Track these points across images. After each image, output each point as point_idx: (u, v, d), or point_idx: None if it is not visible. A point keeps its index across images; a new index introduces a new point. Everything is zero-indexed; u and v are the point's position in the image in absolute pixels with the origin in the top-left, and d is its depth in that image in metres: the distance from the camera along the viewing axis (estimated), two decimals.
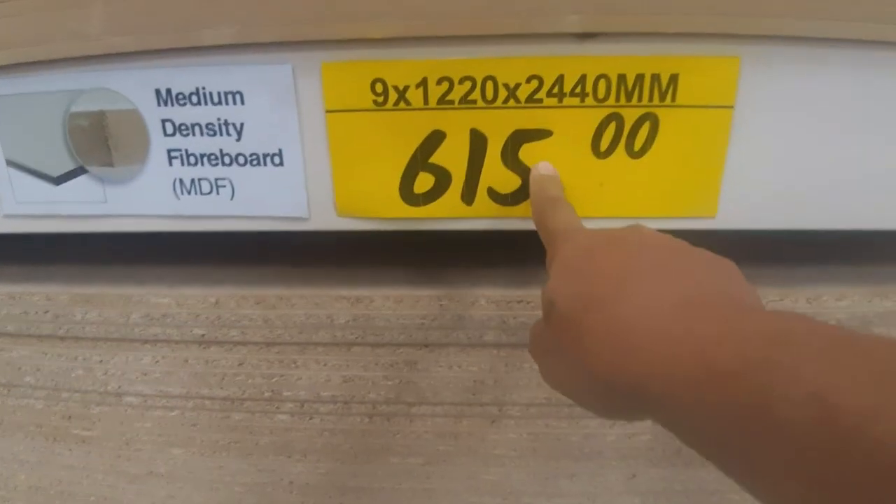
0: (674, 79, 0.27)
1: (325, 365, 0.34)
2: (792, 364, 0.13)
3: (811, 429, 0.12)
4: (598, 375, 0.18)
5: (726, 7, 0.26)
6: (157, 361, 0.36)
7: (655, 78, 0.27)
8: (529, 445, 0.35)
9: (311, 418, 0.36)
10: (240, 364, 0.35)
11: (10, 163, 0.32)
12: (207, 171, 0.31)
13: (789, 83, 0.27)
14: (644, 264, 0.19)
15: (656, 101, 0.28)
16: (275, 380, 0.35)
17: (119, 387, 0.36)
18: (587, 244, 0.22)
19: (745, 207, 0.29)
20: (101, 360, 0.36)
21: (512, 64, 0.27)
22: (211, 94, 0.29)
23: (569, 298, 0.20)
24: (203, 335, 0.34)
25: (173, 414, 0.37)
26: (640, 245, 0.21)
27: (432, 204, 0.30)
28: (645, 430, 0.34)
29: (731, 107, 0.28)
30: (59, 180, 0.32)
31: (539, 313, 0.22)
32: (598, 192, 0.30)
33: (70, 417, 0.38)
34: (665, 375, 0.16)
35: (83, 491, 0.40)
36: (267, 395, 0.35)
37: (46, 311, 0.35)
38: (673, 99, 0.28)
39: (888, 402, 0.11)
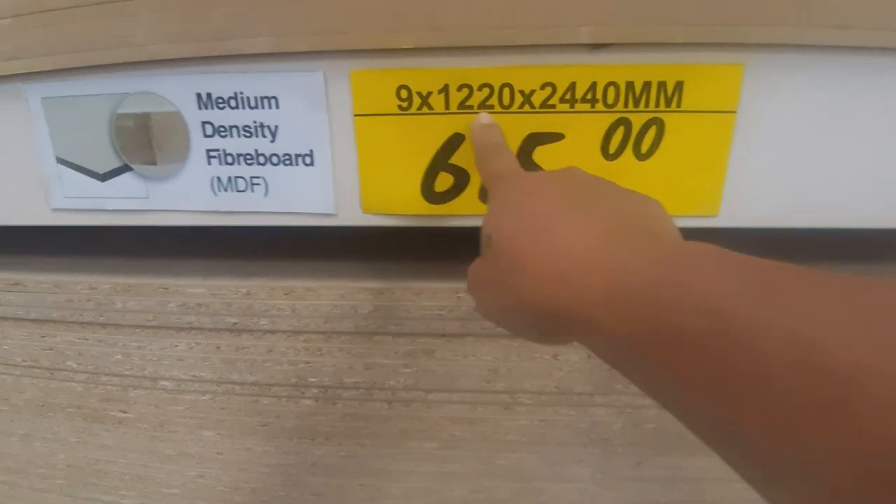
0: (679, 86, 0.29)
1: (348, 353, 0.36)
2: (689, 281, 0.15)
3: (706, 339, 0.13)
4: (530, 304, 0.19)
5: (729, 17, 0.27)
6: (192, 348, 0.38)
7: (662, 85, 0.29)
8: (540, 432, 0.37)
9: (334, 403, 0.38)
10: (268, 351, 0.37)
11: (59, 160, 0.35)
12: (243, 169, 0.33)
13: (791, 88, 0.29)
14: (574, 202, 0.21)
15: (662, 106, 0.29)
16: (301, 367, 0.37)
17: (155, 371, 0.39)
18: (524, 184, 0.23)
19: (746, 207, 0.31)
20: (139, 346, 0.38)
21: (527, 72, 0.29)
22: (248, 98, 0.31)
23: (505, 233, 0.21)
24: (235, 324, 0.36)
25: (205, 398, 0.39)
26: (573, 184, 0.22)
27: (452, 202, 0.32)
28: (651, 420, 0.36)
29: (734, 112, 0.30)
30: (104, 177, 0.34)
31: None
32: None
33: (108, 400, 0.40)
34: (586, 300, 0.17)
35: (118, 470, 0.42)
36: (293, 381, 0.37)
37: (89, 300, 0.37)
38: (678, 104, 0.29)
39: (774, 313, 0.13)
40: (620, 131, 0.30)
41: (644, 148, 0.30)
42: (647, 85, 0.29)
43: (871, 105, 0.29)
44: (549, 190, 0.22)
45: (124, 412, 0.40)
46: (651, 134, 0.30)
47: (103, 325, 0.38)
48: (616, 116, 0.30)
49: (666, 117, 0.30)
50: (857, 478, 0.11)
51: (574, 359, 0.35)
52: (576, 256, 0.18)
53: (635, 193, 0.22)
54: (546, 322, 0.20)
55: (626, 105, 0.30)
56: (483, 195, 0.32)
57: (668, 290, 0.15)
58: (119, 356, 0.39)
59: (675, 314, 0.14)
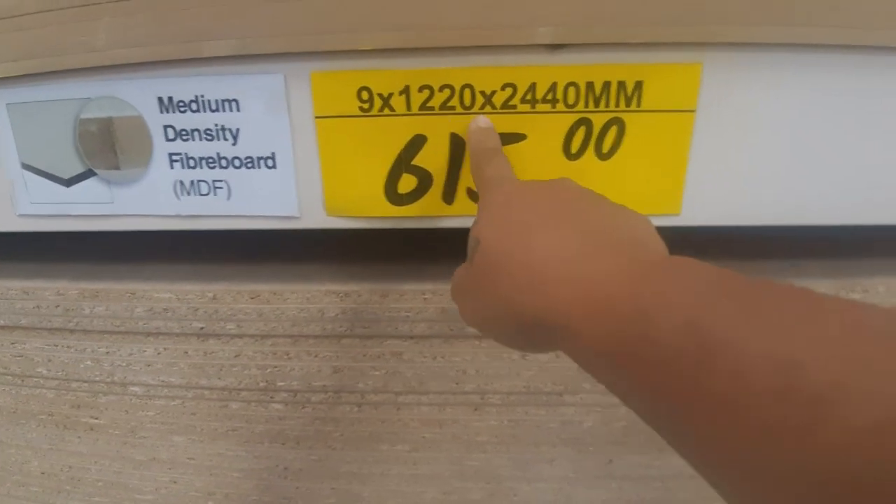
0: (639, 85, 0.29)
1: (316, 356, 0.36)
2: (670, 295, 0.15)
3: (681, 354, 0.13)
4: (510, 313, 0.19)
5: (687, 17, 0.27)
6: (160, 353, 0.38)
7: (621, 85, 0.29)
8: (510, 432, 0.37)
9: (303, 407, 0.38)
10: (236, 356, 0.37)
11: (24, 166, 0.34)
12: (206, 173, 0.33)
13: (749, 86, 0.29)
14: (557, 211, 0.21)
15: (622, 106, 0.30)
16: (269, 371, 0.37)
17: (124, 377, 0.39)
18: (509, 191, 0.23)
19: (707, 205, 0.31)
20: (108, 352, 0.38)
21: (488, 73, 0.29)
22: (209, 101, 0.31)
23: (492, 240, 0.21)
24: (202, 328, 0.36)
25: (174, 403, 0.39)
26: (559, 194, 0.22)
27: (415, 203, 0.32)
28: (620, 418, 0.36)
29: (693, 111, 0.30)
30: (69, 182, 0.34)
31: None
32: None
33: (79, 406, 0.40)
34: (562, 311, 0.17)
35: (91, 476, 0.42)
36: (262, 385, 0.37)
37: (57, 306, 0.37)
38: (638, 104, 0.29)
39: (751, 332, 0.12)
40: (581, 131, 0.30)
41: (605, 148, 0.30)
42: (606, 85, 0.29)
43: (829, 102, 0.29)
44: (533, 198, 0.22)
45: (95, 418, 0.40)
46: (612, 134, 0.30)
47: (72, 331, 0.38)
48: (577, 117, 0.30)
49: (626, 117, 0.30)
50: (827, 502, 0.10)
51: (543, 358, 0.35)
52: (552, 266, 0.18)
53: (623, 208, 0.22)
54: (526, 331, 0.19)
55: (586, 105, 0.30)
56: (447, 197, 0.32)
57: (645, 303, 0.15)
58: (88, 362, 0.39)
59: (652, 327, 0.14)
